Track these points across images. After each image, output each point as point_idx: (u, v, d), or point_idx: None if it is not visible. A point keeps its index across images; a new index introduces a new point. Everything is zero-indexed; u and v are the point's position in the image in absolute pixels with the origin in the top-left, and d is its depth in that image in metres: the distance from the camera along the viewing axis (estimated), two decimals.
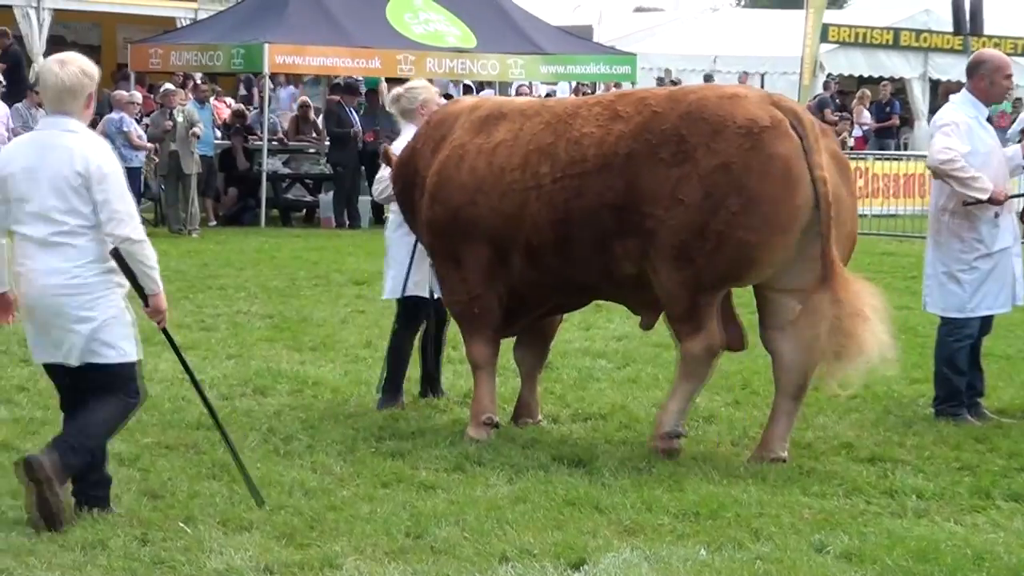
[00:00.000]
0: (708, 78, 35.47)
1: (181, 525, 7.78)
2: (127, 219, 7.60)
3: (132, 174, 23.61)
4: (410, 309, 10.97)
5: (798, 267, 9.10)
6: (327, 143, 27.17)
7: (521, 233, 9.62)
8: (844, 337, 8.85)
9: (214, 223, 25.03)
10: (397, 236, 10.94)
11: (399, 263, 10.87)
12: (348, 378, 11.81)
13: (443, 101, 11.75)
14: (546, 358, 10.77)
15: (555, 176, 9.48)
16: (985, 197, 10.33)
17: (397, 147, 10.78)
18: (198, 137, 24.07)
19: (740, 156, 8.90)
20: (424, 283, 10.80)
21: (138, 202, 23.72)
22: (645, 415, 10.54)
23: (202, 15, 30.84)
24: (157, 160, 24.17)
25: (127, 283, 7.76)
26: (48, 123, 7.76)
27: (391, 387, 10.93)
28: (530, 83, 32.46)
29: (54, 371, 7.97)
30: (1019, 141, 11.29)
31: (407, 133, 10.83)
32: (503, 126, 9.87)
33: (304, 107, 29.17)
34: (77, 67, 7.64)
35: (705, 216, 8.93)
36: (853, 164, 29.40)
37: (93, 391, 7.80)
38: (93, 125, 9.43)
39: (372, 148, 26.56)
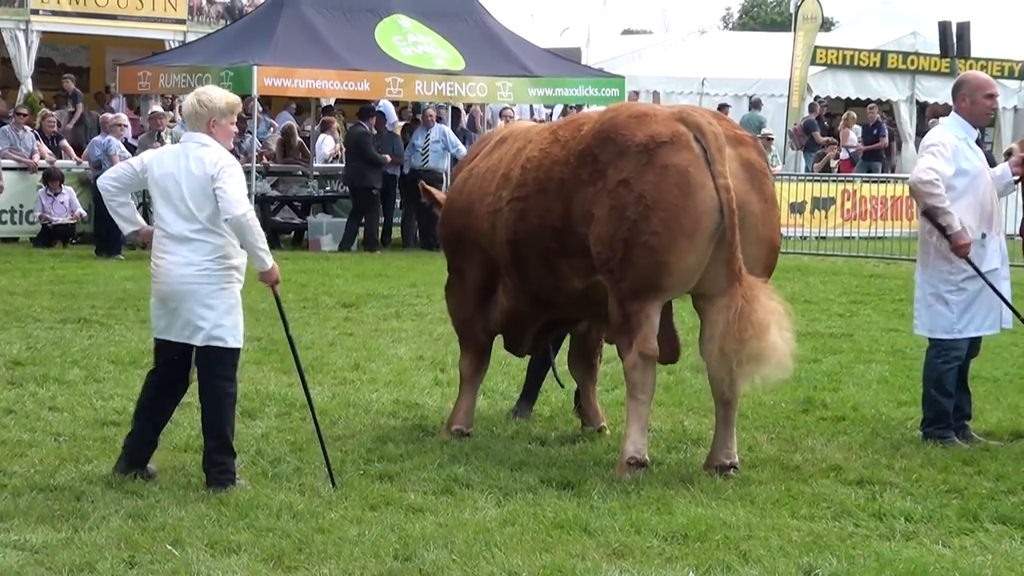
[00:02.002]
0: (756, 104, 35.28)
1: (169, 548, 7.77)
2: (238, 203, 8.91)
3: None
4: None
5: (720, 276, 9.33)
6: (342, 164, 27.22)
7: (496, 253, 10.25)
8: (745, 341, 9.09)
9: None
10: None
11: None
12: (336, 400, 11.80)
13: None
14: (597, 369, 11.10)
15: (509, 199, 10.08)
16: (949, 232, 10.33)
17: None
18: None
19: (638, 170, 9.37)
20: None
21: None
22: None
23: (191, 37, 30.86)
24: None
25: (243, 275, 9.19)
26: (186, 137, 9.25)
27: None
28: (531, 107, 32.53)
29: (170, 348, 9.17)
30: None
31: None
32: (498, 152, 10.52)
33: (287, 133, 29.14)
34: (195, 99, 9.16)
35: (612, 227, 9.41)
36: (840, 187, 29.81)
37: (204, 370, 9.10)
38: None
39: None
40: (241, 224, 8.92)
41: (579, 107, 30.74)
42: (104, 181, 9.38)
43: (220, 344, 9.03)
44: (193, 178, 8.98)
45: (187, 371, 9.25)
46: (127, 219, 9.39)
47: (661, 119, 9.55)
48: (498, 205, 10.15)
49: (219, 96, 9.22)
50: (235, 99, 9.32)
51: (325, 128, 29.66)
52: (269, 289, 9.34)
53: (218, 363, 9.08)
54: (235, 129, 9.45)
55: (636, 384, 9.48)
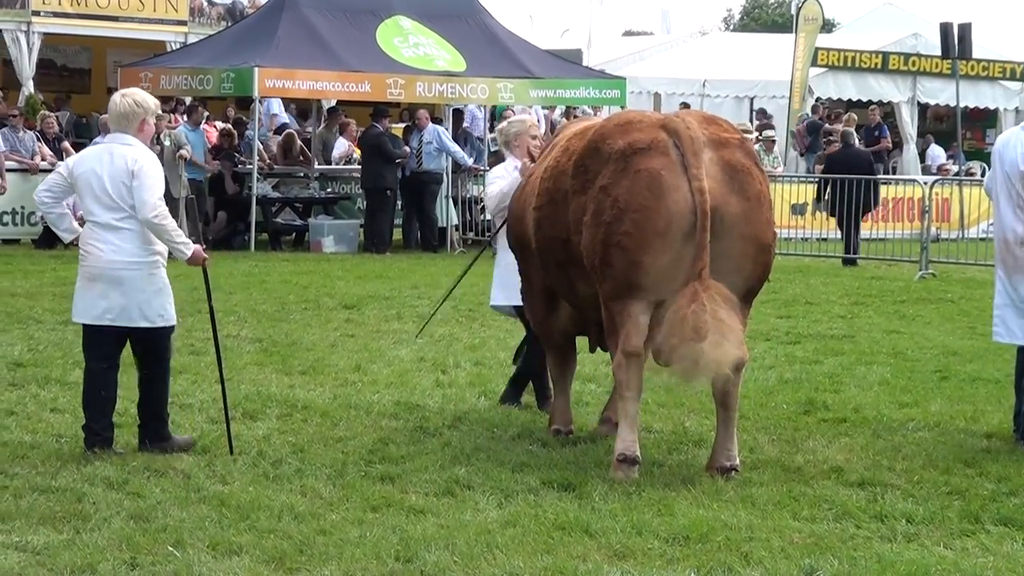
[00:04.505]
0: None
1: (170, 549, 7.77)
2: (145, 205, 9.75)
3: None
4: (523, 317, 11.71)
5: (716, 268, 9.33)
6: (347, 166, 27.20)
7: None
8: (682, 341, 9.13)
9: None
10: (501, 247, 11.78)
11: (500, 275, 11.86)
12: (337, 402, 11.80)
13: (537, 133, 12.25)
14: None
15: (536, 205, 10.33)
16: None
17: (495, 174, 11.91)
18: (185, 160, 24.05)
19: (615, 176, 9.57)
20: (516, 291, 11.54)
21: None
22: None
23: (192, 39, 30.84)
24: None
25: (166, 258, 10.02)
26: (110, 138, 10.03)
27: (515, 385, 11.94)
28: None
29: (101, 331, 9.94)
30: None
31: (507, 161, 11.85)
32: (550, 157, 10.61)
33: (288, 138, 29.11)
34: (131, 99, 9.94)
35: (593, 231, 9.61)
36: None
37: (144, 349, 10.00)
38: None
39: None
40: (151, 225, 9.80)
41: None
42: (40, 195, 10.14)
43: (152, 324, 9.91)
44: (115, 171, 9.78)
45: (119, 350, 10.09)
46: (67, 229, 10.16)
47: (644, 126, 9.71)
48: (535, 213, 10.38)
49: (149, 97, 10.05)
50: (157, 101, 10.22)
51: (343, 130, 29.66)
52: (200, 270, 10.36)
53: (157, 342, 10.00)
54: (154, 130, 10.38)
55: (621, 382, 9.60)
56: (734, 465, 9.61)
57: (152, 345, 10.01)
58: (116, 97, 10.04)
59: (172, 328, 10.09)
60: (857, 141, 27.92)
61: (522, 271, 11.07)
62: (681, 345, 9.12)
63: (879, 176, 27.82)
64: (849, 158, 26.27)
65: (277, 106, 31.52)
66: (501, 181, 11.63)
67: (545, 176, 10.25)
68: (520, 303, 11.50)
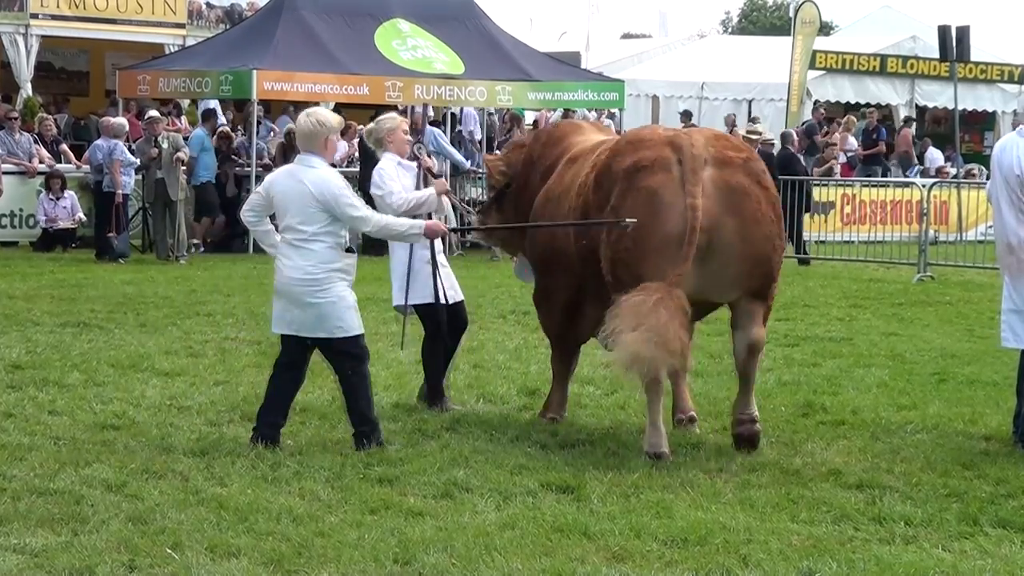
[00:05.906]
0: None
1: (168, 551, 7.77)
2: (363, 220, 10.19)
3: (124, 199, 23.58)
4: (427, 316, 11.75)
5: (716, 283, 9.98)
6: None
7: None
8: (624, 325, 9.58)
9: (203, 249, 24.96)
10: (396, 246, 11.73)
11: (399, 274, 11.70)
12: (336, 404, 11.77)
13: (406, 129, 12.02)
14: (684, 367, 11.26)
15: (571, 217, 10.72)
16: None
17: (389, 175, 11.50)
18: (183, 163, 24.01)
19: (621, 195, 10.11)
20: (428, 290, 11.59)
21: (127, 228, 23.72)
22: (633, 441, 10.56)
23: (190, 41, 30.82)
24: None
25: (350, 274, 10.25)
26: (298, 159, 10.30)
27: (430, 392, 11.81)
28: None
29: (286, 339, 10.43)
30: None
31: (383, 160, 11.64)
32: (574, 169, 11.01)
33: (291, 135, 29.05)
34: (314, 119, 10.19)
35: (603, 249, 10.22)
36: (840, 191, 29.76)
37: (331, 356, 10.40)
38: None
39: None
40: (377, 234, 10.55)
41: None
42: (245, 216, 10.55)
43: (330, 336, 10.19)
44: (300, 196, 10.06)
45: (304, 362, 10.42)
46: (271, 244, 10.45)
47: (653, 144, 10.15)
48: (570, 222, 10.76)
49: (331, 115, 10.34)
50: (340, 118, 10.53)
51: (344, 132, 29.53)
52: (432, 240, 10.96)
53: (342, 349, 10.26)
54: (339, 147, 10.56)
55: (649, 399, 10.17)
56: (753, 416, 10.23)
57: (338, 353, 10.29)
58: (301, 117, 10.33)
59: (354, 337, 10.23)
60: (795, 142, 28.52)
61: (544, 277, 11.33)
62: (616, 332, 9.63)
63: (814, 177, 28.26)
64: (782, 160, 26.73)
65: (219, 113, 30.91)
66: (397, 183, 11.46)
67: (578, 192, 10.63)
68: (422, 302, 11.65)
